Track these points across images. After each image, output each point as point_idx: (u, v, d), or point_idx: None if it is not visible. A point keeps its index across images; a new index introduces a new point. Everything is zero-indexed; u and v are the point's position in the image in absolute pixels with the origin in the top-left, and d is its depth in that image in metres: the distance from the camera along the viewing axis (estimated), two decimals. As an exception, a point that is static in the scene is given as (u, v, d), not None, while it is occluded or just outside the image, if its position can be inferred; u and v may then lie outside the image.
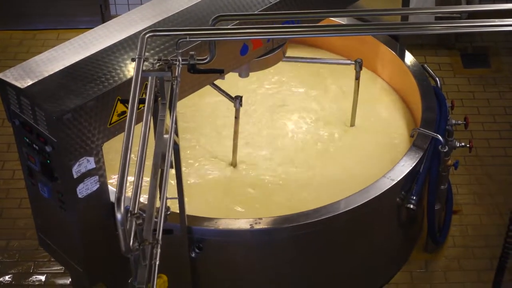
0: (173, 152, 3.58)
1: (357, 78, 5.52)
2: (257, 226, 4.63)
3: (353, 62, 5.50)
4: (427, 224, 5.44)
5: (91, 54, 4.31)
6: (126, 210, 2.94)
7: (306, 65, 6.14)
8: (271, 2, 4.72)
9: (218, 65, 4.18)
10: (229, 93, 5.16)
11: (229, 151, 5.37)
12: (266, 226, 4.64)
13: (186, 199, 4.32)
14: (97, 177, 4.25)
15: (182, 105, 5.34)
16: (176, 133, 3.84)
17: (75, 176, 4.14)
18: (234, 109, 5.10)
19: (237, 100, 5.04)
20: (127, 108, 4.12)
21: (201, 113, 5.81)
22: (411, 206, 5.01)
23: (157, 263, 3.09)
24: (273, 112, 5.83)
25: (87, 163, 4.16)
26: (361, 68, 5.48)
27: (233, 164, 5.39)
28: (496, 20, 3.72)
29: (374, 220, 5.02)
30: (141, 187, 3.07)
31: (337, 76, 6.07)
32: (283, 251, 4.84)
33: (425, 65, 5.74)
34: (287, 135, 5.65)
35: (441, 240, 5.61)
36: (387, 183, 4.87)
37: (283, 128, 5.71)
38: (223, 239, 4.69)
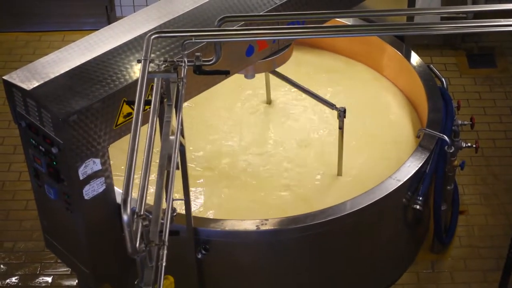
0: (179, 153, 3.58)
1: (341, 127, 5.11)
2: (263, 227, 4.62)
3: (337, 108, 5.10)
4: (433, 225, 5.43)
5: (97, 56, 4.31)
6: (133, 211, 2.94)
7: (319, 62, 6.19)
8: (276, 3, 4.72)
9: (224, 66, 4.18)
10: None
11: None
12: (272, 227, 4.63)
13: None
14: (103, 178, 4.25)
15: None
16: (182, 135, 3.84)
17: (81, 178, 4.14)
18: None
19: None
20: (133, 109, 4.13)
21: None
22: (417, 207, 5.01)
23: (164, 264, 3.09)
24: (278, 107, 5.85)
25: (93, 164, 4.16)
26: (344, 117, 5.07)
27: (268, 102, 5.83)
28: (502, 20, 3.71)
29: (380, 221, 5.02)
30: (147, 188, 3.07)
31: (351, 76, 6.10)
32: (290, 252, 4.83)
33: (431, 66, 5.73)
34: (290, 132, 5.65)
35: (447, 240, 5.61)
36: (393, 184, 4.86)
37: (288, 124, 5.72)
38: (230, 240, 4.69)
